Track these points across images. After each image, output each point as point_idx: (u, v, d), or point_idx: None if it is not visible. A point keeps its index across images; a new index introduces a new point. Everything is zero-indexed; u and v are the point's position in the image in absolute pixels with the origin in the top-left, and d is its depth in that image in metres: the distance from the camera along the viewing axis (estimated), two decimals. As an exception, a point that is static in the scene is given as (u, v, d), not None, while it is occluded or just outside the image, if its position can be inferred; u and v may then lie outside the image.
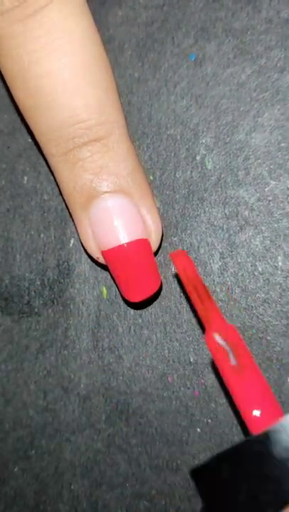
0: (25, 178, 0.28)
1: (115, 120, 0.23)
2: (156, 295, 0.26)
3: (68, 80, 0.22)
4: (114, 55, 0.27)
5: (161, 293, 0.26)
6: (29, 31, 0.22)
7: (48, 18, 0.22)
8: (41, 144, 0.24)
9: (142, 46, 0.27)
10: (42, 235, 0.28)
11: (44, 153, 0.24)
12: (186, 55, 0.26)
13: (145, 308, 0.26)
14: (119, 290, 0.26)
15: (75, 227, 0.25)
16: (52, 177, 0.28)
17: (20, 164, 0.28)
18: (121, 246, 0.24)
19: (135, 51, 0.27)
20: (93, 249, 0.24)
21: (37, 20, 0.22)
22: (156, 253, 0.26)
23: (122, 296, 0.26)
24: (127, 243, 0.24)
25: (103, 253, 0.24)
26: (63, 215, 0.28)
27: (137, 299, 0.24)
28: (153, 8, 0.27)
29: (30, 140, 0.28)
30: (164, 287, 0.26)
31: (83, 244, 0.25)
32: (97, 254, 0.25)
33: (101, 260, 0.25)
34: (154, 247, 0.25)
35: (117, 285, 0.25)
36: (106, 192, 0.23)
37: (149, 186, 0.25)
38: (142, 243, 0.24)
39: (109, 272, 0.27)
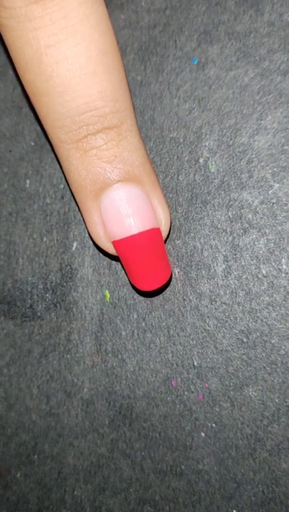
0: (28, 181, 0.28)
1: (128, 109, 0.23)
2: (166, 284, 0.26)
3: (85, 65, 0.22)
4: (116, 59, 0.27)
5: (165, 296, 0.26)
6: (48, 14, 0.21)
7: (66, 2, 0.21)
8: (51, 131, 0.23)
9: (144, 49, 0.27)
10: (44, 239, 0.28)
11: (53, 141, 0.24)
12: (189, 58, 0.26)
13: (155, 296, 0.26)
14: (129, 279, 0.25)
15: (82, 219, 0.25)
16: (54, 180, 0.28)
17: (23, 168, 0.28)
18: (134, 235, 0.23)
19: (138, 54, 0.27)
20: (103, 240, 0.24)
21: (56, 3, 0.21)
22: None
23: (131, 284, 0.26)
24: (140, 232, 0.23)
25: (115, 243, 0.24)
26: (66, 218, 0.27)
27: (149, 287, 0.24)
28: (155, 12, 0.27)
29: (32, 143, 0.28)
30: (167, 290, 0.26)
31: (92, 235, 0.24)
32: (107, 245, 0.24)
33: (111, 251, 0.24)
34: (164, 236, 0.24)
35: (127, 275, 0.25)
36: (119, 181, 0.23)
37: (157, 176, 0.25)
38: (155, 232, 0.24)
39: (112, 274, 0.27)
